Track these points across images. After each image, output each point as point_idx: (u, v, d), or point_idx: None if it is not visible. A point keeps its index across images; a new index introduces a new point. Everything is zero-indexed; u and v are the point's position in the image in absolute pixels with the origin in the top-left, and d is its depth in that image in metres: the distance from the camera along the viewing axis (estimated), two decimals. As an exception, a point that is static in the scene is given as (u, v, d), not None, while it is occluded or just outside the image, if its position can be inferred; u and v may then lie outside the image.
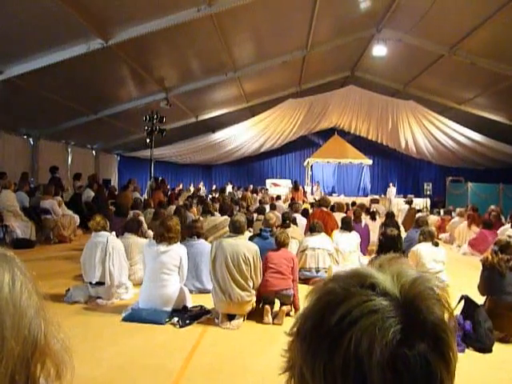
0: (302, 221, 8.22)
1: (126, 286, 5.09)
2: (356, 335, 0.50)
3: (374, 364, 0.49)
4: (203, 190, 17.86)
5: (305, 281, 5.92)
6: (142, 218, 7.33)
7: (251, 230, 7.19)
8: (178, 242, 4.67)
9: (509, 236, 4.82)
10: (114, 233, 5.25)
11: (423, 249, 5.35)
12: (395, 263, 0.59)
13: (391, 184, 18.07)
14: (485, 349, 3.75)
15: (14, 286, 0.62)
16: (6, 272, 0.62)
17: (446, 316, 0.55)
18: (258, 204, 11.23)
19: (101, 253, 4.86)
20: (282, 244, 4.75)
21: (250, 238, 5.62)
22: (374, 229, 8.30)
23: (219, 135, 17.05)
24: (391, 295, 0.53)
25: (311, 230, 6.45)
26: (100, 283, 4.85)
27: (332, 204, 10.22)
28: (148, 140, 11.50)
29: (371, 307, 0.51)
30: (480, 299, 4.21)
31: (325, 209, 8.47)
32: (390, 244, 4.45)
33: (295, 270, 4.72)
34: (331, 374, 0.51)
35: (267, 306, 4.46)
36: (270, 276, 4.55)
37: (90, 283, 4.87)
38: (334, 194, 18.34)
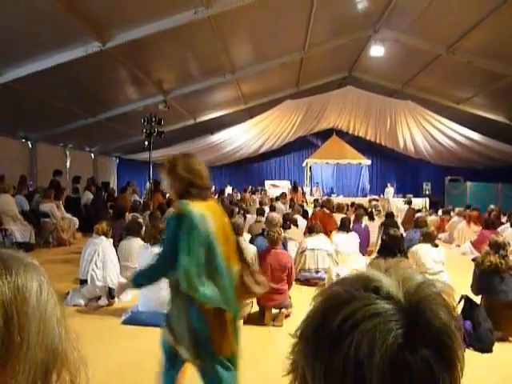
0: (301, 222, 8.22)
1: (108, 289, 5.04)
2: (357, 338, 0.49)
3: (374, 368, 0.48)
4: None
5: (304, 281, 5.93)
6: (141, 221, 7.32)
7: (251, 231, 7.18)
8: None
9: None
10: (111, 240, 5.30)
11: (422, 249, 5.34)
12: (402, 267, 0.58)
13: (389, 184, 18.08)
14: (485, 349, 3.75)
15: (42, 295, 0.63)
16: (35, 280, 0.63)
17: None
18: (257, 205, 11.21)
19: (89, 252, 4.97)
20: (274, 242, 4.63)
21: (253, 238, 5.62)
22: (373, 229, 8.29)
23: (218, 137, 17.02)
24: (395, 299, 0.52)
25: (310, 230, 6.46)
26: (85, 281, 4.93)
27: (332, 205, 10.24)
28: (146, 142, 11.50)
29: (373, 310, 0.51)
30: (476, 298, 4.21)
31: (326, 210, 8.48)
32: (393, 244, 4.44)
33: (291, 278, 4.66)
34: (331, 376, 0.51)
35: (267, 310, 4.46)
36: (265, 292, 4.49)
37: (81, 282, 4.92)
38: (332, 195, 18.33)
